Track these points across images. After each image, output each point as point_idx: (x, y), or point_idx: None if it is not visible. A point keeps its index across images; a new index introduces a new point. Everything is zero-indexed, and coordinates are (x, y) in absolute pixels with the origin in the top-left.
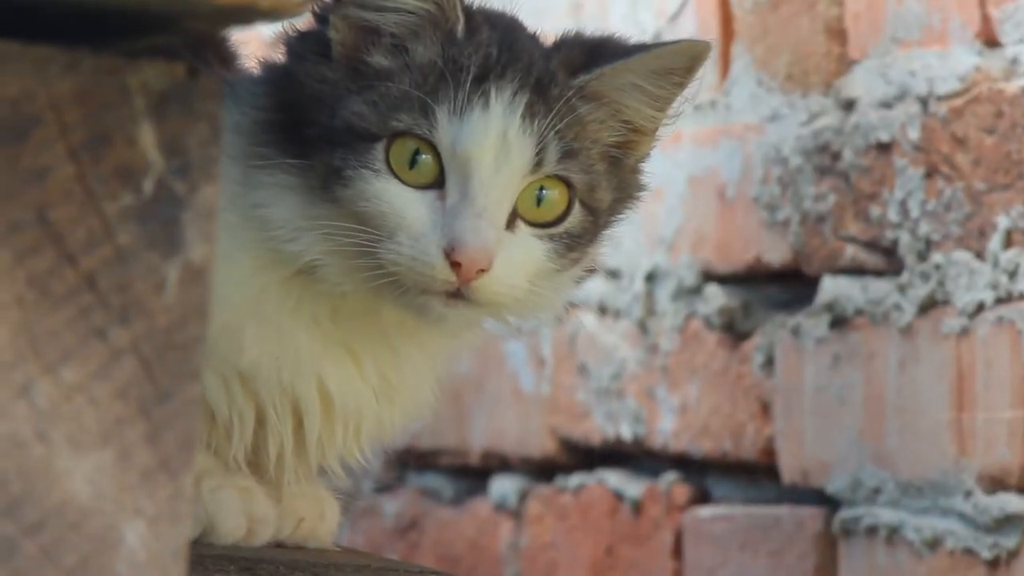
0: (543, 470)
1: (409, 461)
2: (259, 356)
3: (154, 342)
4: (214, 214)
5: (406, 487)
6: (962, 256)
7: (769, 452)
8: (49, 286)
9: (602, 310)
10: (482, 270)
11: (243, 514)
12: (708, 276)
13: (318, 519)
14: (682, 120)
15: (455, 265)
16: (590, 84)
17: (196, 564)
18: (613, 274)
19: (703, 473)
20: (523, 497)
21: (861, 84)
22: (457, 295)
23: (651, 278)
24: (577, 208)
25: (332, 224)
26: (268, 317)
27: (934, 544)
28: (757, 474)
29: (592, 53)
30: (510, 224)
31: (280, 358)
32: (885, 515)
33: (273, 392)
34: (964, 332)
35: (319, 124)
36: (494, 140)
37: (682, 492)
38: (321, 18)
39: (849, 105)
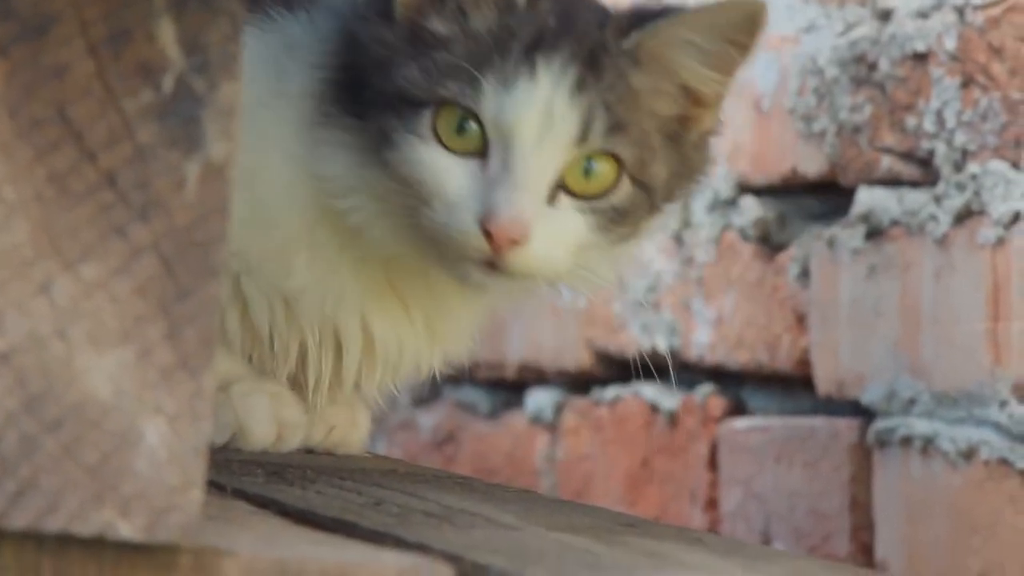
0: (579, 383)
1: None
2: (305, 283)
3: (174, 240)
4: (235, 112)
5: (442, 400)
6: (998, 166)
7: (804, 363)
8: (69, 183)
9: None
10: (515, 242)
11: (273, 419)
12: (744, 188)
13: (349, 426)
14: None
15: (488, 235)
16: (643, 45)
17: (223, 468)
18: None
19: (739, 385)
20: (559, 410)
21: None
22: (492, 265)
23: None
24: (626, 183)
25: (380, 186)
26: (320, 248)
27: (969, 455)
28: (792, 386)
29: (644, 16)
30: (552, 197)
31: (326, 288)
32: (920, 426)
33: (315, 321)
34: (1000, 242)
35: (375, 87)
36: (538, 112)
37: (717, 404)
38: None
39: (885, 15)
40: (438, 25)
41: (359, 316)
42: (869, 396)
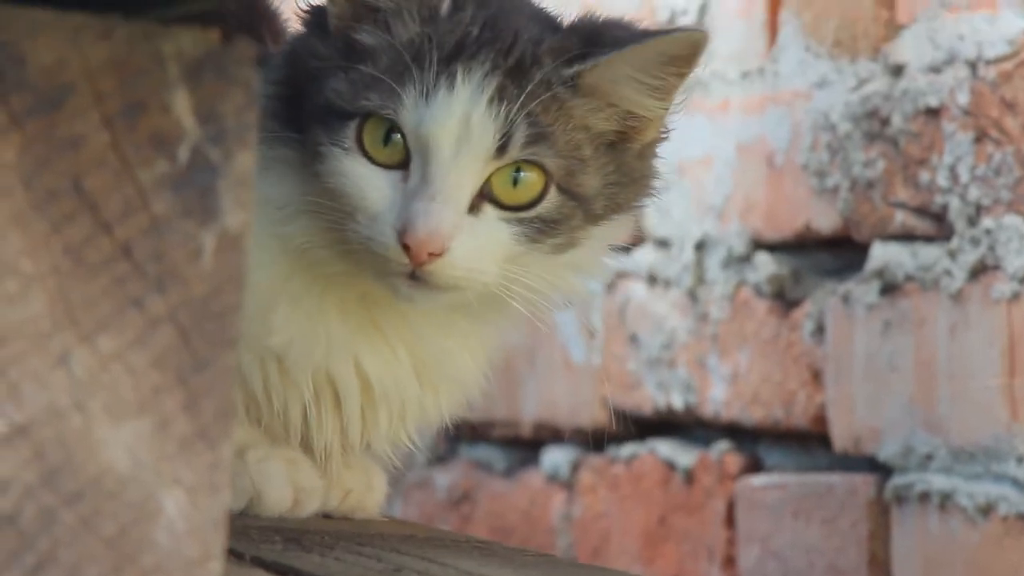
0: (595, 440)
1: (461, 433)
2: (290, 337)
3: (191, 310)
4: (250, 181)
5: (458, 459)
6: (1012, 221)
7: (820, 420)
8: (85, 255)
9: (652, 280)
10: (433, 254)
11: (289, 485)
12: (758, 244)
13: (365, 490)
14: (730, 87)
15: (406, 247)
16: (582, 76)
17: (241, 535)
18: (663, 243)
19: (755, 441)
20: (575, 468)
21: (910, 49)
22: (414, 277)
23: (701, 247)
24: (554, 193)
25: (315, 201)
26: (298, 299)
27: (987, 510)
28: (809, 442)
29: (588, 40)
30: (474, 207)
31: (312, 338)
32: (937, 481)
33: (307, 373)
34: (1015, 297)
35: (310, 99)
36: (455, 123)
37: (734, 461)
38: None
39: (898, 70)
40: (366, 37)
41: (352, 359)
42: (886, 452)
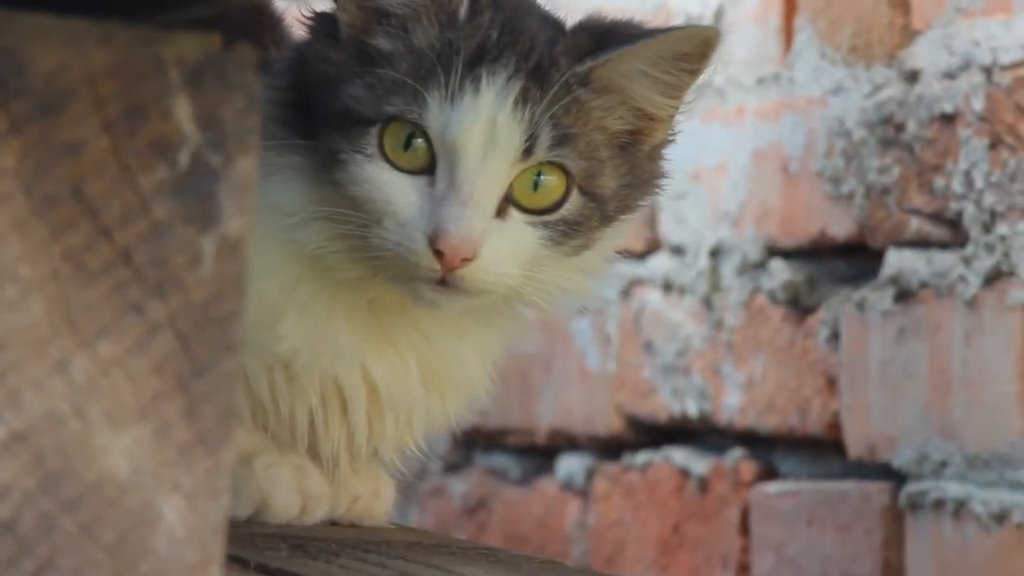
0: (610, 448)
1: (476, 441)
2: (298, 344)
3: (191, 316)
4: (251, 186)
5: (474, 467)
6: None
7: (835, 427)
8: (85, 261)
9: (667, 287)
10: (466, 259)
11: (296, 491)
12: (773, 251)
13: (373, 497)
14: (746, 94)
15: (438, 253)
16: (595, 71)
17: (247, 543)
18: (678, 250)
19: (769, 449)
20: (590, 475)
21: (925, 55)
22: (444, 283)
23: (716, 254)
24: (575, 195)
25: (332, 209)
26: (305, 305)
27: (1001, 517)
28: (823, 449)
29: (599, 39)
30: (501, 211)
31: (320, 345)
32: (952, 489)
33: (314, 380)
34: None
35: (323, 105)
36: (482, 127)
37: (748, 468)
38: None
39: (913, 76)
40: (382, 42)
41: (359, 366)
42: (900, 459)
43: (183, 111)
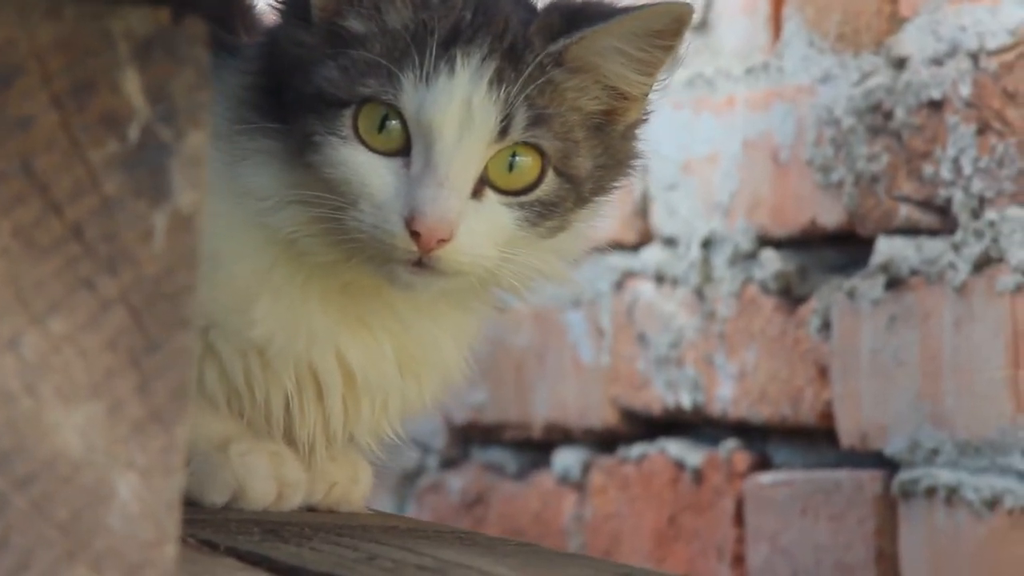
0: (605, 441)
1: (473, 436)
2: (271, 329)
3: (143, 291)
4: (202, 161)
5: (471, 462)
6: (1016, 212)
7: (827, 416)
8: (35, 237)
9: (659, 279)
10: (443, 240)
11: (273, 478)
12: (764, 241)
13: (350, 483)
14: (735, 84)
15: (415, 235)
16: (569, 50)
17: (220, 527)
18: (670, 242)
19: (763, 439)
20: (586, 469)
21: (912, 42)
22: (420, 264)
23: (707, 244)
24: (551, 176)
25: (306, 192)
26: (279, 290)
27: (993, 504)
28: (816, 438)
29: (572, 18)
30: (477, 192)
31: (294, 330)
32: (944, 476)
33: (289, 365)
34: (1018, 289)
35: (296, 89)
36: (457, 107)
37: (742, 459)
38: None
39: (900, 63)
40: (355, 24)
41: (334, 351)
42: (892, 447)
43: (132, 85)
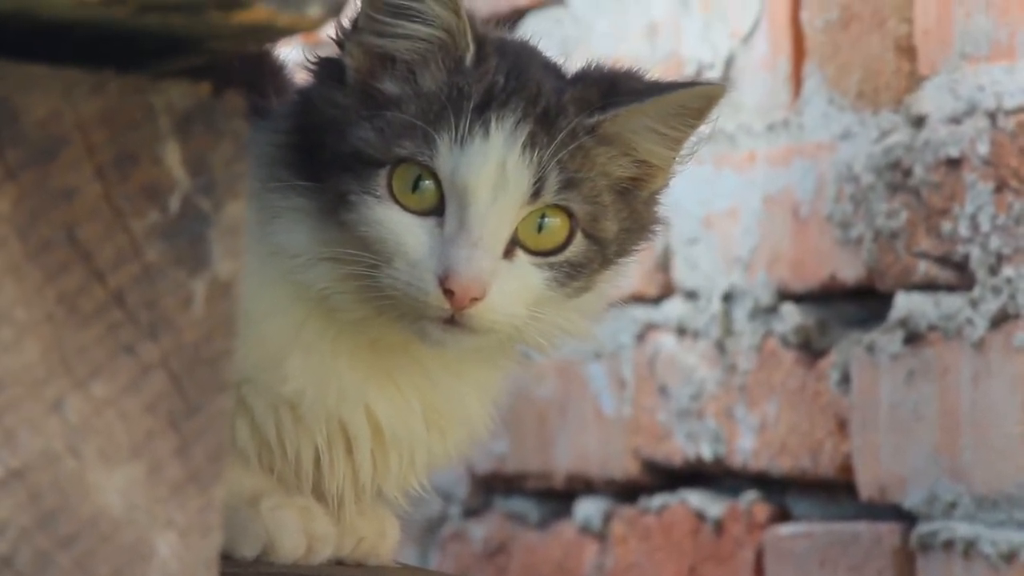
0: (626, 491)
1: (496, 486)
2: (303, 385)
3: (183, 357)
4: (240, 230)
5: (493, 511)
6: None
7: (847, 468)
8: (79, 303)
9: (681, 331)
10: (476, 299)
11: (303, 532)
12: (784, 295)
13: (378, 537)
14: (756, 140)
15: (448, 293)
16: (603, 125)
17: None
18: (691, 295)
19: (783, 491)
20: (607, 519)
21: (931, 100)
22: (452, 321)
23: (728, 298)
24: (579, 238)
25: (339, 250)
26: (310, 346)
27: (1010, 557)
28: (835, 491)
29: (607, 91)
30: (508, 252)
31: (325, 385)
32: (961, 529)
33: (320, 420)
34: None
35: (330, 148)
36: (492, 170)
37: (762, 510)
38: (340, 44)
39: (919, 121)
40: (390, 86)
41: (363, 406)
42: (911, 500)
43: (173, 157)
